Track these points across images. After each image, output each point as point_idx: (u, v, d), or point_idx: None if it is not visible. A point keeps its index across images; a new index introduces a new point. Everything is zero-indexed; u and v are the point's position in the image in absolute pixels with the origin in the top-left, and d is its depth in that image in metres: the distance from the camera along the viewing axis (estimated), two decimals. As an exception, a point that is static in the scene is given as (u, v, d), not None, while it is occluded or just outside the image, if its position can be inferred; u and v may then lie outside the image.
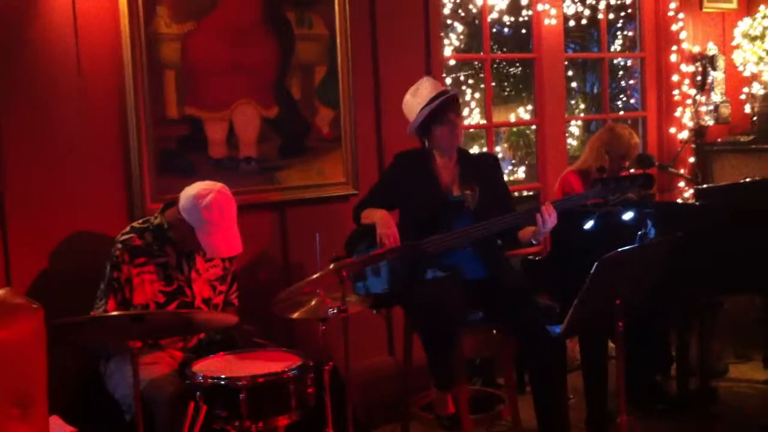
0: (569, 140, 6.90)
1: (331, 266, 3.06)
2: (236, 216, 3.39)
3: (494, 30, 7.05)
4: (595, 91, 8.31)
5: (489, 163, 4.01)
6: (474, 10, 6.45)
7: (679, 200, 5.97)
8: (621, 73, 7.87)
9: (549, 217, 3.54)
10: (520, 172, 8.29)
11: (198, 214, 3.27)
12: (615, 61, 7.58)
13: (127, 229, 3.42)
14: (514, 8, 6.67)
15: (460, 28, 6.94)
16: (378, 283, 3.74)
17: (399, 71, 4.74)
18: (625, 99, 7.78)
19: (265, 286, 4.18)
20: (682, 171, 6.01)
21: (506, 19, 7.04)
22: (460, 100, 3.98)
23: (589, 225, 4.02)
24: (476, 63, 7.20)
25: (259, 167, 4.25)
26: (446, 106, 3.79)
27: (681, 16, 6.24)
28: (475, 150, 7.43)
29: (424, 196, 3.83)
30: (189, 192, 3.33)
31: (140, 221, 3.48)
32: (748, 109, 6.46)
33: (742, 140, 6.29)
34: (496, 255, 3.86)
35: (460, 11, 6.78)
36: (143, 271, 3.35)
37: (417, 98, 3.84)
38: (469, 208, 3.76)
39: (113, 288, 3.30)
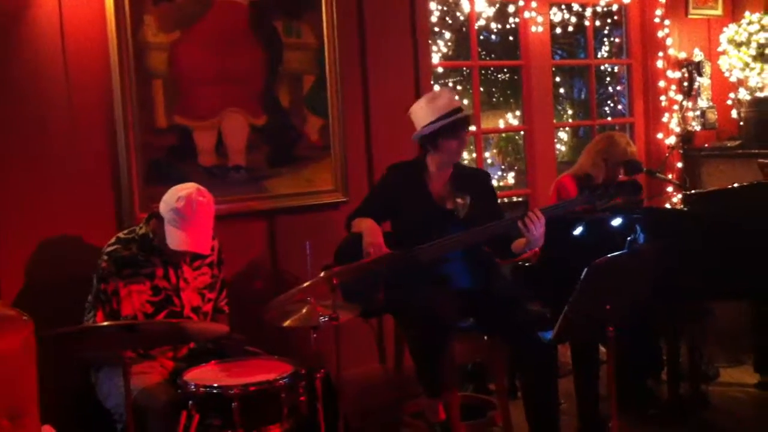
0: (558, 146, 6.92)
1: (322, 274, 3.06)
2: (210, 222, 3.37)
3: (482, 37, 7.08)
4: (583, 97, 8.35)
5: (481, 179, 4.02)
6: (461, 18, 6.47)
7: (668, 205, 5.99)
8: (608, 79, 7.90)
9: (532, 225, 3.50)
10: (510, 178, 8.31)
11: (171, 204, 3.27)
12: (602, 68, 7.62)
13: (113, 240, 3.40)
14: (501, 16, 6.70)
15: (447, 35, 6.96)
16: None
17: (387, 79, 4.76)
18: (612, 105, 7.82)
19: (254, 294, 4.17)
20: (669, 176, 6.04)
21: (493, 26, 7.07)
22: (471, 114, 4.00)
23: (578, 231, 4.03)
24: (464, 70, 7.22)
25: (248, 176, 4.25)
26: (462, 123, 3.81)
27: (667, 22, 6.28)
28: (464, 155, 7.45)
29: (415, 207, 3.83)
30: (171, 188, 3.36)
31: (126, 232, 3.46)
32: (734, 114, 6.50)
33: (729, 145, 6.32)
34: (485, 265, 3.86)
35: (447, 19, 6.80)
36: (130, 282, 3.34)
37: (433, 106, 3.81)
38: (460, 218, 3.76)
39: (101, 300, 3.29)
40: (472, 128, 5.32)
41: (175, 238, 3.27)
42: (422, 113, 3.85)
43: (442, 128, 3.77)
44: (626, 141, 4.70)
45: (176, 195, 3.29)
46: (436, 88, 5.33)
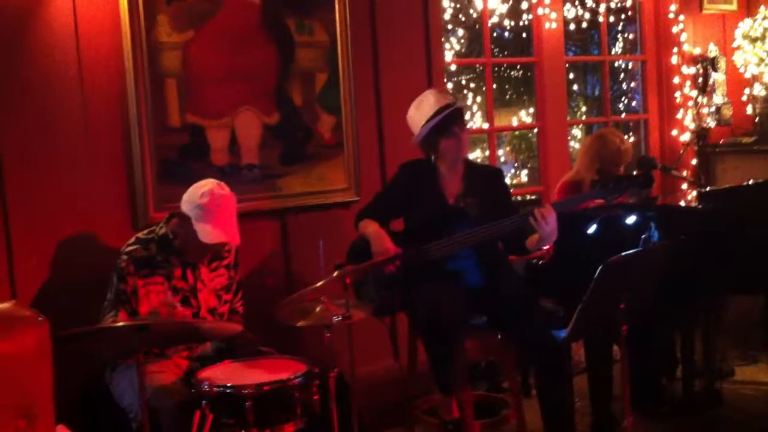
0: (571, 143, 6.89)
1: (335, 273, 3.06)
2: (235, 212, 3.39)
3: (495, 34, 7.05)
4: (597, 93, 8.32)
5: (494, 176, 3.99)
6: (474, 15, 6.46)
7: (682, 203, 5.97)
8: (622, 75, 7.87)
9: (543, 219, 3.47)
10: (523, 176, 8.29)
11: (195, 201, 3.29)
12: (616, 64, 7.58)
13: (132, 240, 3.42)
14: (514, 12, 6.68)
15: (460, 32, 6.94)
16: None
17: (400, 77, 4.76)
18: (626, 101, 7.78)
19: (267, 293, 4.18)
20: (684, 173, 6.01)
21: (507, 23, 7.05)
22: (462, 105, 3.97)
23: (592, 229, 4.02)
24: (477, 67, 7.20)
25: (260, 174, 4.26)
26: (451, 119, 3.74)
27: (681, 18, 6.25)
28: (477, 153, 7.44)
29: (427, 206, 3.82)
30: (191, 187, 3.38)
31: (145, 232, 3.48)
32: (749, 110, 6.46)
33: (744, 141, 6.29)
34: (497, 262, 3.86)
35: (460, 16, 6.78)
36: (148, 282, 3.35)
37: (420, 112, 3.78)
38: (472, 216, 3.75)
39: (121, 300, 3.31)
40: (485, 125, 5.33)
41: (208, 233, 3.28)
42: (413, 121, 3.83)
43: (434, 129, 3.74)
44: (620, 138, 4.59)
45: (198, 192, 3.31)
46: (449, 85, 5.33)
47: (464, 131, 3.81)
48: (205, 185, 3.35)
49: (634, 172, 4.64)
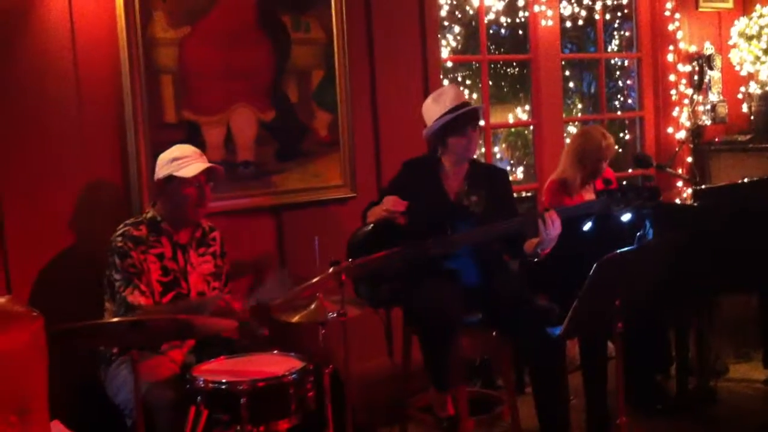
0: (567, 141, 6.89)
1: (330, 270, 3.06)
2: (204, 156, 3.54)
3: (491, 31, 7.05)
4: (592, 91, 8.32)
5: (498, 176, 4.00)
6: (471, 12, 6.46)
7: (677, 201, 5.97)
8: (618, 73, 7.87)
9: (552, 224, 3.51)
10: (518, 173, 8.28)
11: (167, 158, 3.47)
12: (612, 61, 7.58)
13: (121, 226, 3.45)
14: (510, 9, 6.68)
15: (457, 29, 6.94)
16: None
17: (396, 74, 4.76)
18: (622, 99, 7.78)
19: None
20: (679, 171, 6.02)
21: (503, 20, 7.05)
22: (480, 107, 3.98)
23: (587, 226, 4.03)
24: (474, 64, 7.20)
25: (256, 171, 4.26)
26: (466, 118, 3.75)
27: (677, 15, 6.25)
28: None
29: (430, 204, 3.82)
30: (157, 162, 3.54)
31: (131, 219, 3.52)
32: (745, 108, 6.47)
33: (739, 139, 6.30)
34: (493, 261, 3.86)
35: (456, 13, 6.78)
36: (147, 258, 3.39)
37: (439, 105, 3.79)
38: (474, 214, 3.76)
39: (134, 274, 3.33)
40: (482, 123, 5.32)
41: (192, 169, 3.42)
42: (430, 112, 3.83)
43: (447, 125, 3.75)
44: (601, 133, 4.64)
45: (165, 153, 3.50)
46: (446, 82, 5.33)
47: (476, 132, 3.84)
48: (169, 149, 3.51)
49: (630, 170, 4.68)
